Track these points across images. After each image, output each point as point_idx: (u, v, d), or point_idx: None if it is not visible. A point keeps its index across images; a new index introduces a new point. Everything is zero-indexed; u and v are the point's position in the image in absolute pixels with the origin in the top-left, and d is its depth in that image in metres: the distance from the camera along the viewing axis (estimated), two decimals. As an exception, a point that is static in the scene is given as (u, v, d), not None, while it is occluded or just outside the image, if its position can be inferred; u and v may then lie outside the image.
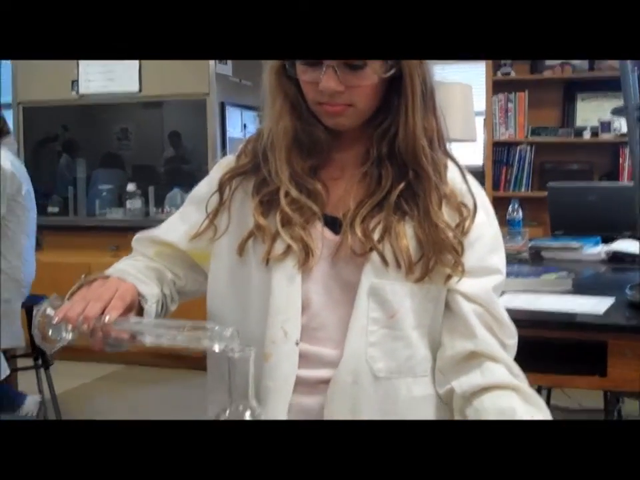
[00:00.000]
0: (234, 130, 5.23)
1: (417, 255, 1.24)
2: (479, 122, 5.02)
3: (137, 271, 1.27)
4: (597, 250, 3.24)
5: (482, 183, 1.42)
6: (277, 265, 1.25)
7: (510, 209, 3.56)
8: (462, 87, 4.19)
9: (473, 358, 1.26)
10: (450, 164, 1.30)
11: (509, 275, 1.38)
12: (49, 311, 1.16)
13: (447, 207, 1.26)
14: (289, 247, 1.24)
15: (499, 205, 2.96)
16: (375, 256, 1.24)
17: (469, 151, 4.99)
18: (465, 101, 4.19)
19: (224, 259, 1.32)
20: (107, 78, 5.29)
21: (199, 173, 1.42)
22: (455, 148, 1.33)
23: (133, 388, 4.57)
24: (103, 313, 1.13)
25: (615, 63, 4.72)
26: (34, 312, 1.16)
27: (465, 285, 1.27)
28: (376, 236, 1.24)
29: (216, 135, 5.11)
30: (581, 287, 2.45)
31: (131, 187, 5.22)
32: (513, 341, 1.30)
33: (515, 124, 5.18)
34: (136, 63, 5.21)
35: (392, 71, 1.20)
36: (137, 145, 5.57)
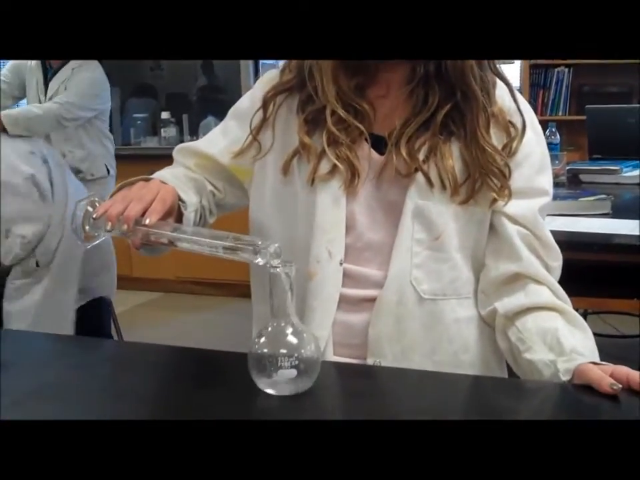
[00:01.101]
0: (267, 56, 5.19)
1: (462, 177, 1.23)
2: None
3: (176, 178, 1.26)
4: (635, 173, 3.19)
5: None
6: (323, 185, 1.24)
7: (547, 132, 3.51)
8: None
9: (517, 280, 1.25)
10: (499, 82, 1.27)
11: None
12: (89, 207, 1.15)
13: (495, 127, 1.24)
14: (334, 167, 1.23)
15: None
16: (420, 176, 1.22)
17: (506, 73, 4.90)
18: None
19: (268, 177, 1.30)
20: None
21: (232, 101, 1.40)
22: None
23: (172, 315, 4.63)
24: (143, 214, 1.12)
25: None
26: (74, 206, 1.16)
27: (511, 206, 1.25)
28: (421, 156, 1.22)
29: (248, 62, 5.06)
30: (620, 210, 2.42)
31: (165, 115, 5.21)
32: (557, 263, 1.28)
33: (552, 45, 5.07)
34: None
35: None
36: (169, 73, 5.54)
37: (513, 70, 4.99)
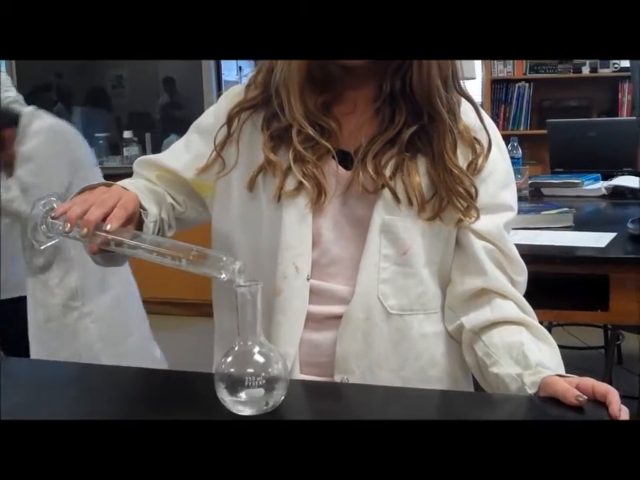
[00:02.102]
0: (229, 73, 5.18)
1: (429, 194, 1.23)
2: (478, 60, 4.97)
3: (137, 189, 1.24)
4: (597, 186, 3.23)
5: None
6: (289, 202, 1.24)
7: (509, 147, 3.53)
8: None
9: (483, 294, 1.26)
10: (463, 100, 1.28)
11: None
12: (47, 207, 1.13)
13: (461, 144, 1.25)
14: (301, 184, 1.23)
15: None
16: (386, 192, 1.22)
17: (468, 89, 4.94)
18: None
19: (233, 193, 1.30)
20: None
21: (195, 118, 1.39)
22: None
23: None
24: (104, 219, 1.09)
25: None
26: (33, 205, 1.13)
27: (477, 221, 1.25)
28: (388, 172, 1.22)
29: (211, 79, 5.06)
30: (582, 223, 2.45)
31: (127, 134, 5.18)
32: (522, 278, 1.29)
33: (513, 61, 5.13)
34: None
35: None
36: (131, 92, 5.52)
37: (474, 85, 5.04)
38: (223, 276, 1.03)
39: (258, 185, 1.26)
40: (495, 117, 5.10)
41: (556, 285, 1.98)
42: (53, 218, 1.12)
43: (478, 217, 1.25)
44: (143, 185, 1.30)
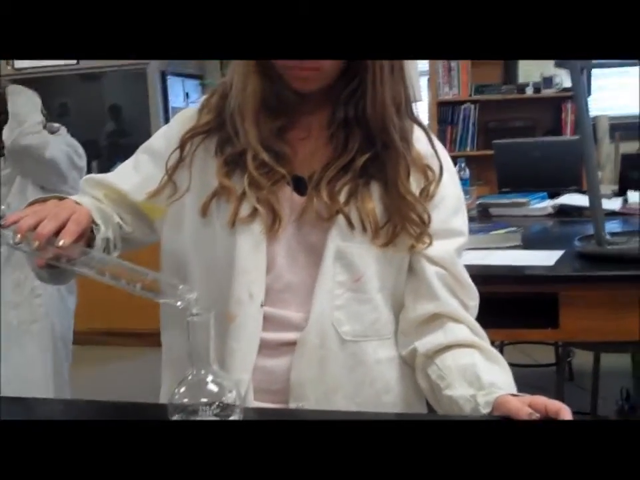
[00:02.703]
0: (176, 99, 5.17)
1: (382, 220, 1.23)
2: (423, 82, 5.02)
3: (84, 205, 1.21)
4: (543, 205, 3.27)
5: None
6: (243, 228, 1.23)
7: (457, 168, 3.55)
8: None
9: (436, 319, 1.26)
10: (415, 127, 1.29)
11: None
12: None
13: (413, 171, 1.25)
14: (255, 210, 1.22)
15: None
16: (340, 219, 1.22)
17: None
18: (409, 61, 4.18)
19: (186, 218, 1.28)
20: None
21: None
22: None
23: (85, 367, 4.52)
24: (56, 233, 1.06)
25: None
26: None
27: (429, 247, 1.26)
28: (342, 199, 1.22)
29: (158, 105, 5.04)
30: (530, 242, 2.47)
31: (73, 162, 5.11)
32: (474, 302, 1.30)
33: (458, 83, 5.19)
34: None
35: None
36: (77, 119, 5.48)
37: (421, 108, 5.08)
38: (179, 303, 1.01)
39: (211, 210, 1.25)
40: (441, 139, 5.14)
41: (506, 304, 1.99)
42: (2, 226, 1.08)
43: (430, 243, 1.25)
44: (89, 203, 1.26)
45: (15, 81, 3.03)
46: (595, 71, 4.73)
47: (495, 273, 2.08)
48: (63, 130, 2.97)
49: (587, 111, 2.07)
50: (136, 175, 1.32)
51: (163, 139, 1.33)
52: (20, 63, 5.19)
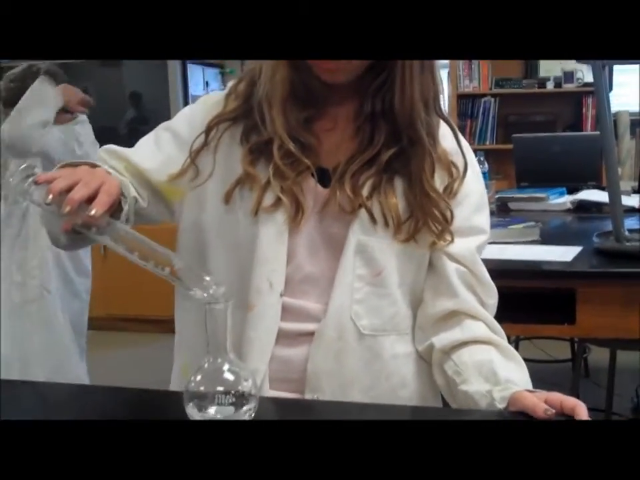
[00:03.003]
0: (196, 88, 5.17)
1: (405, 215, 1.23)
2: (444, 74, 5.00)
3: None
4: (562, 200, 3.26)
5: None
6: (266, 217, 1.22)
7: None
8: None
9: (454, 316, 1.26)
10: (442, 123, 1.28)
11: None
12: (27, 172, 1.06)
13: (438, 168, 1.25)
14: (279, 200, 1.21)
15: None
16: (363, 213, 1.22)
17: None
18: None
19: (207, 204, 1.27)
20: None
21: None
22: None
23: (104, 352, 4.55)
24: (87, 200, 1.04)
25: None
26: (18, 168, 1.06)
27: (450, 244, 1.26)
28: (365, 192, 1.22)
29: (178, 93, 5.05)
30: (548, 237, 2.47)
31: (93, 149, 5.13)
32: (493, 300, 1.30)
33: (479, 76, 5.17)
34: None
35: None
36: (97, 106, 5.47)
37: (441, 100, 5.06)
38: (205, 295, 1.01)
39: (234, 197, 1.25)
40: (461, 132, 5.12)
41: (523, 299, 1.99)
42: (35, 183, 1.06)
43: (452, 240, 1.25)
44: (114, 174, 1.23)
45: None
46: (616, 67, 4.70)
47: (512, 267, 2.08)
48: (82, 118, 3.02)
49: (608, 106, 2.06)
50: (158, 153, 1.30)
51: (186, 124, 1.31)
52: (41, 49, 5.20)
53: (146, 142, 1.34)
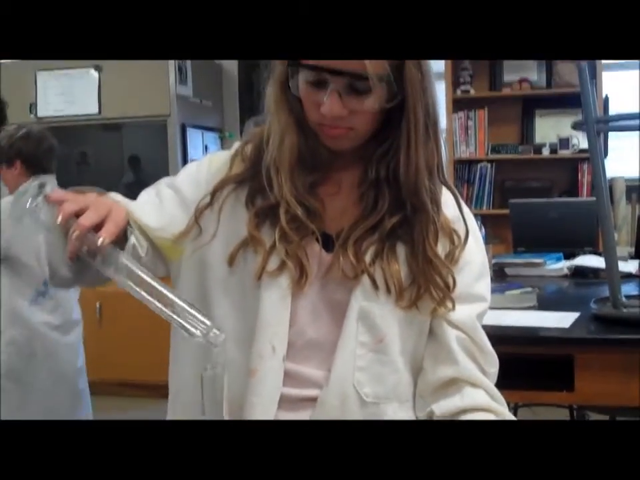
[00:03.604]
0: (195, 152, 5.20)
1: (407, 282, 1.23)
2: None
3: None
4: (559, 265, 3.26)
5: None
6: (270, 281, 1.21)
7: (472, 226, 3.56)
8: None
9: (454, 383, 1.25)
10: (444, 189, 1.28)
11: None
12: (41, 187, 1.06)
13: (440, 235, 1.24)
14: (283, 264, 1.21)
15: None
16: (365, 279, 1.22)
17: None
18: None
19: (209, 265, 1.26)
20: (65, 100, 5.24)
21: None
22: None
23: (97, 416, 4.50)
24: (96, 228, 1.03)
25: (571, 79, 4.78)
26: (31, 184, 1.05)
27: (451, 311, 1.25)
28: (367, 259, 1.22)
29: (177, 158, 5.07)
30: (546, 303, 2.46)
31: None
32: (494, 369, 1.29)
33: (475, 141, 5.21)
34: (95, 83, 5.16)
35: (396, 100, 1.17)
36: (96, 169, 5.52)
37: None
38: (202, 339, 0.99)
39: (238, 260, 1.24)
40: (457, 197, 5.15)
41: (521, 366, 1.97)
42: (46, 198, 1.05)
43: (453, 307, 1.25)
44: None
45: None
46: (611, 133, 4.75)
47: (510, 333, 2.07)
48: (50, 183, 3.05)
49: (604, 172, 2.08)
50: (160, 211, 1.28)
51: (190, 183, 1.30)
52: (42, 112, 5.25)
53: (148, 197, 1.32)
